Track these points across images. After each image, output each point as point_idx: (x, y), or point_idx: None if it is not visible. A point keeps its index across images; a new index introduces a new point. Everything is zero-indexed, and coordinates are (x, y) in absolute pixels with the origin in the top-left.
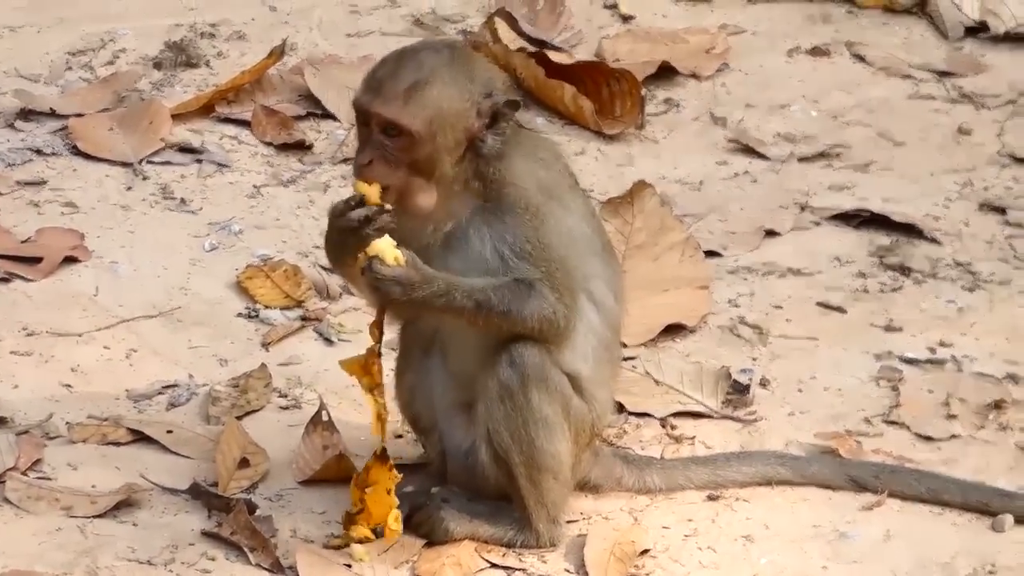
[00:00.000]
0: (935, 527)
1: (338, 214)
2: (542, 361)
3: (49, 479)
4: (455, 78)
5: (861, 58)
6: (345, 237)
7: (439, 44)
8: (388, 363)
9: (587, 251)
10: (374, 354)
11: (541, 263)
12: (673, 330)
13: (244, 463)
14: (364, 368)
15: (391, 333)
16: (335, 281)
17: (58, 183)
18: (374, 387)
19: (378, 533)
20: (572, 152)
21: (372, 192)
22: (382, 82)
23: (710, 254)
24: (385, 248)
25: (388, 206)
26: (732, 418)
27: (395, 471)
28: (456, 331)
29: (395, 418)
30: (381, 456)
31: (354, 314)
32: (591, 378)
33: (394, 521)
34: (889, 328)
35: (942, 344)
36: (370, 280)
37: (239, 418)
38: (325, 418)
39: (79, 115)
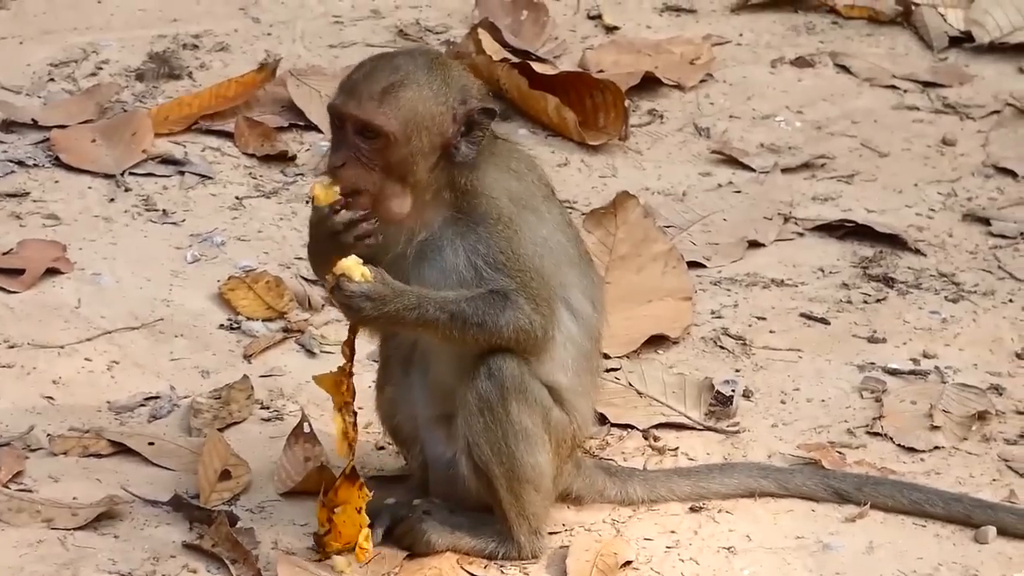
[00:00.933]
0: (918, 539)
1: (321, 219)
2: (521, 373)
3: (30, 491)
4: (431, 82)
5: (845, 68)
6: (326, 243)
7: (416, 51)
8: (369, 376)
9: (563, 261)
10: (345, 373)
11: (515, 273)
12: (656, 341)
13: (226, 475)
14: (335, 386)
15: (372, 346)
16: (317, 292)
17: (40, 195)
18: (343, 405)
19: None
20: (555, 163)
21: (324, 194)
22: (357, 84)
23: (693, 265)
24: (351, 265)
25: (362, 212)
26: (715, 430)
27: (365, 489)
28: (434, 344)
29: (376, 430)
30: (350, 475)
31: (336, 326)
32: (571, 388)
33: (365, 540)
34: (872, 339)
35: (925, 355)
36: (339, 298)
37: (221, 430)
38: (307, 430)
39: (62, 127)
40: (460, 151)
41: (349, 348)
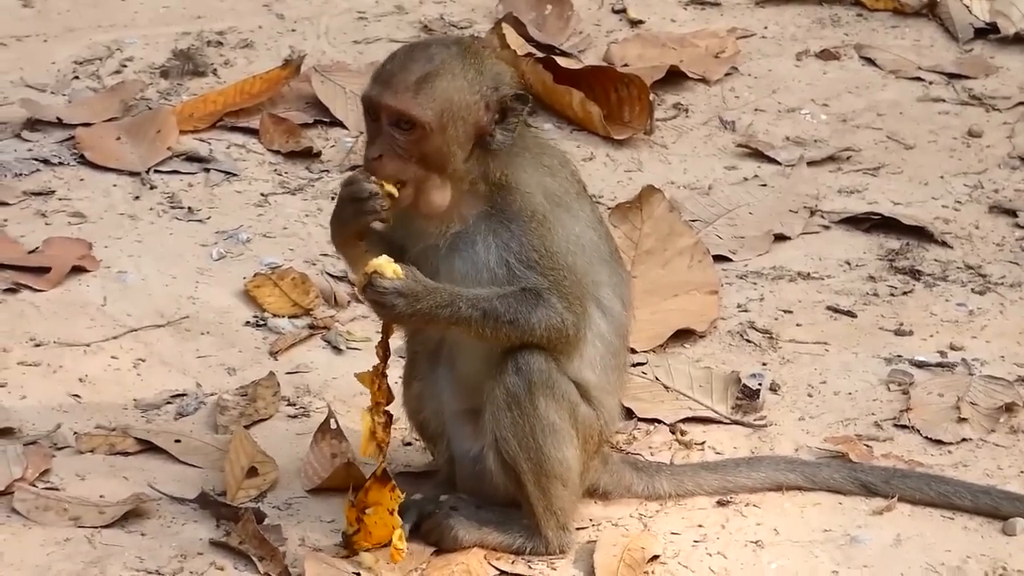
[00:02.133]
0: (946, 531)
1: (351, 182)
2: (548, 368)
3: (57, 489)
4: (465, 71)
5: (871, 61)
6: (350, 208)
7: (448, 39)
8: (396, 371)
9: (595, 258)
10: (378, 373)
11: (548, 271)
12: (683, 335)
13: (252, 472)
14: (371, 383)
15: (399, 342)
16: (343, 289)
17: (65, 193)
18: (374, 406)
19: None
20: (580, 158)
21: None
22: (392, 75)
23: (719, 259)
24: (383, 263)
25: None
26: (742, 423)
27: (398, 491)
28: (465, 341)
29: (403, 425)
30: (382, 477)
31: (362, 322)
32: (598, 385)
33: (399, 540)
34: (899, 332)
35: (952, 347)
36: (370, 296)
37: (247, 427)
38: (334, 426)
39: (86, 125)
40: (496, 139)
41: (383, 349)
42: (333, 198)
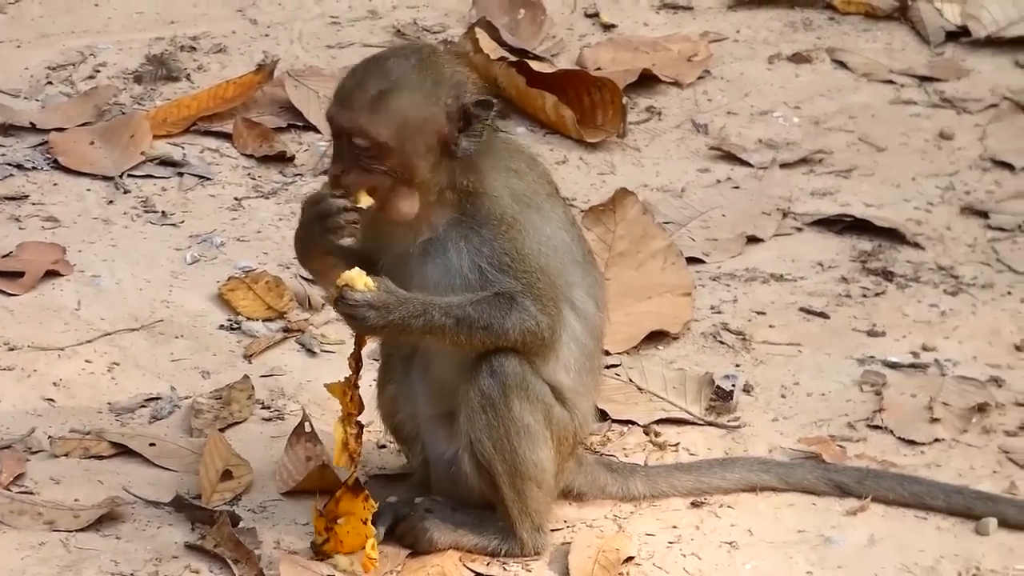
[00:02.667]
0: (919, 531)
1: (317, 200)
2: (522, 370)
3: (32, 493)
4: (421, 84)
5: (843, 64)
6: (317, 226)
7: (407, 49)
8: (370, 374)
9: (567, 259)
10: (350, 384)
11: (521, 275)
12: (656, 337)
13: (227, 475)
14: (342, 396)
15: (373, 345)
16: (317, 292)
17: (39, 197)
18: (346, 416)
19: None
20: (554, 161)
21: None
22: (350, 93)
23: (692, 261)
24: (354, 276)
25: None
26: (716, 424)
27: (371, 500)
28: (437, 347)
29: (377, 428)
30: (354, 487)
31: (337, 325)
32: (573, 387)
33: (371, 549)
34: (872, 333)
35: (925, 348)
36: (342, 309)
37: (222, 430)
38: (308, 429)
39: (60, 129)
40: (460, 147)
41: (355, 360)
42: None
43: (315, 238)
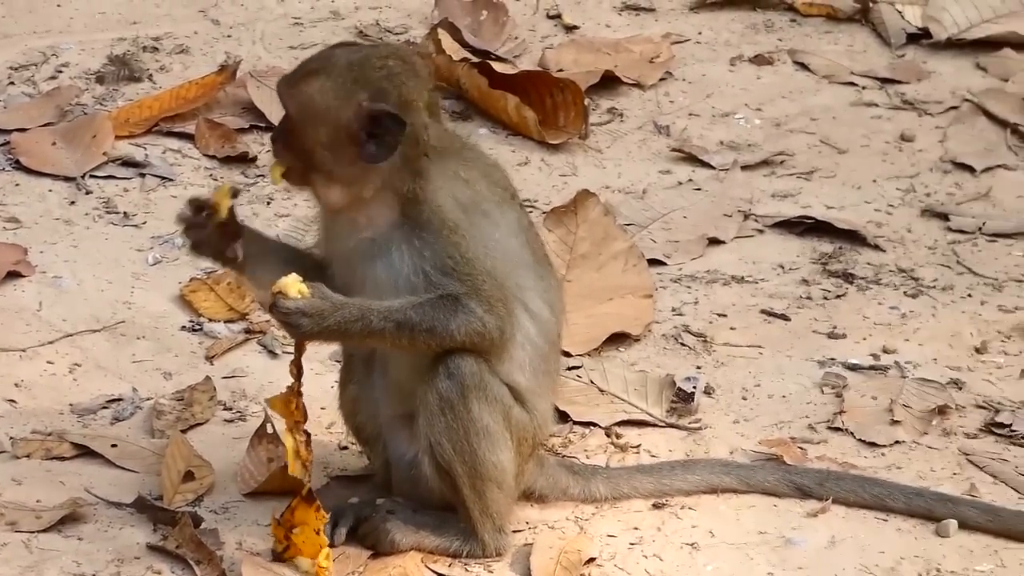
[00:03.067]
0: (880, 533)
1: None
2: (480, 371)
3: None
4: (343, 76)
5: (804, 66)
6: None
7: (366, 46)
8: (332, 375)
9: (518, 264)
10: (294, 392)
11: (465, 277)
12: (617, 339)
13: (189, 476)
14: (285, 406)
15: (335, 346)
16: None
17: (1, 198)
18: (293, 425)
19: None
20: (516, 162)
21: (223, 202)
22: (296, 68)
23: (654, 263)
24: (289, 283)
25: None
26: (677, 426)
27: (323, 511)
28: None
29: (339, 429)
30: (307, 497)
31: None
32: (530, 388)
33: (325, 559)
34: (833, 335)
35: (885, 351)
36: (276, 316)
37: (184, 431)
38: (270, 430)
39: (22, 130)
40: (365, 149)
41: (296, 367)
42: (269, 203)
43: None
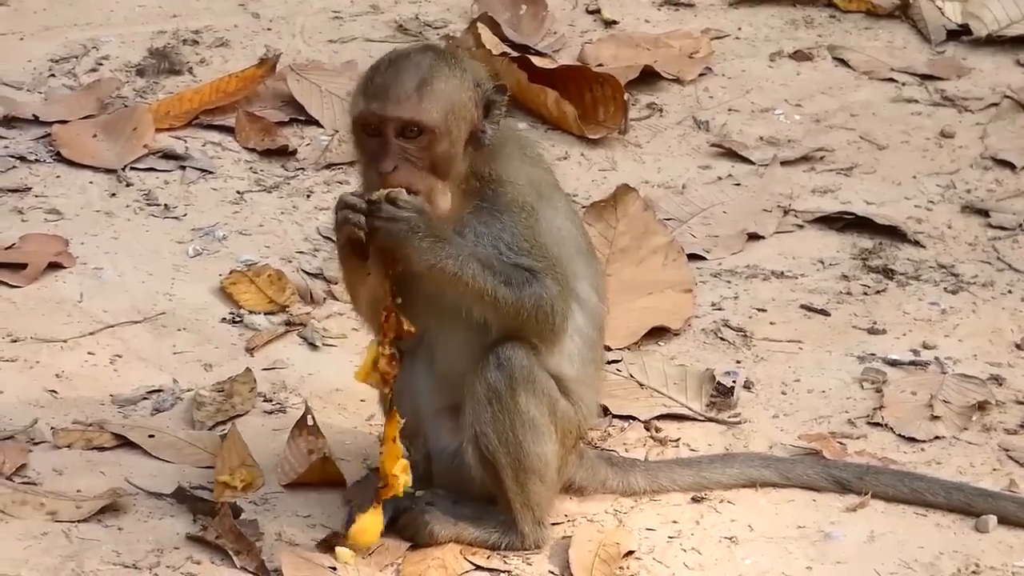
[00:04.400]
0: (919, 528)
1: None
2: (529, 363)
3: (34, 484)
4: (453, 71)
5: (844, 62)
6: (347, 228)
7: (421, 47)
8: None
9: (573, 251)
10: (388, 307)
11: (540, 259)
12: (657, 333)
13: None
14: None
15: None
16: (319, 286)
17: (42, 190)
18: (382, 338)
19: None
20: (555, 156)
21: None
22: (388, 87)
23: (693, 257)
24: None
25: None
26: (716, 420)
27: (398, 416)
28: (444, 332)
29: (378, 421)
30: (389, 407)
31: (338, 319)
32: (577, 379)
33: (402, 471)
34: (872, 330)
35: (925, 346)
36: (387, 211)
37: (223, 423)
38: (310, 422)
39: (63, 122)
40: (486, 134)
41: (390, 282)
42: (308, 196)
43: (350, 239)
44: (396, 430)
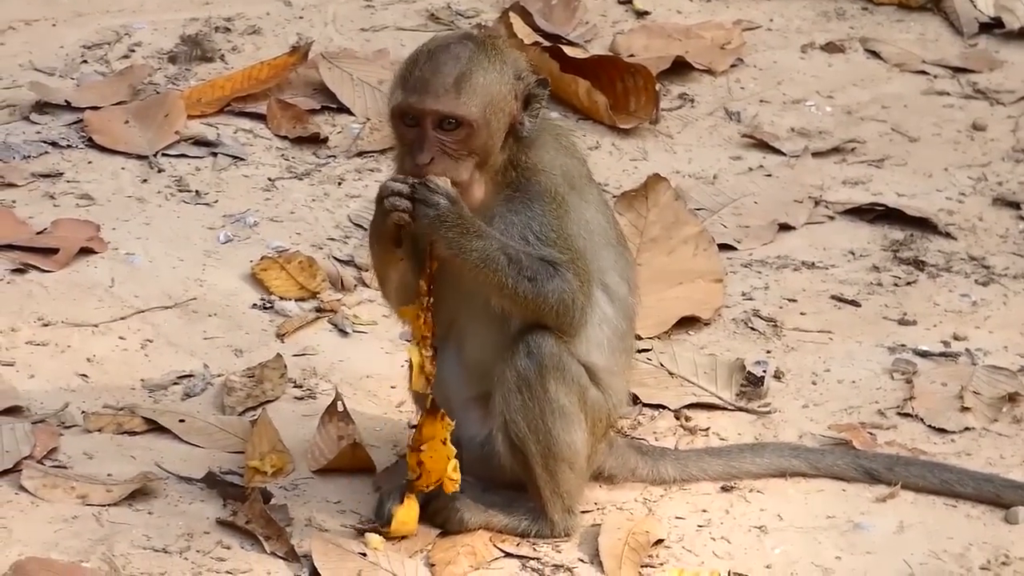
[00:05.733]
0: (949, 519)
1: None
2: (559, 351)
3: (65, 468)
4: (492, 64)
5: (876, 54)
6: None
7: (459, 36)
8: (402, 355)
9: (602, 242)
10: (422, 307)
11: (565, 251)
12: (687, 323)
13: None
14: (415, 318)
15: (404, 328)
16: (350, 273)
17: (74, 175)
18: (420, 340)
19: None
20: (587, 146)
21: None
22: (427, 80)
23: (724, 247)
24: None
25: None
26: (746, 410)
27: (447, 419)
28: (472, 321)
29: (408, 408)
30: (431, 409)
31: (369, 306)
32: (607, 368)
33: (453, 471)
34: (903, 322)
35: (956, 338)
36: (421, 193)
37: (253, 408)
38: (340, 408)
39: (95, 108)
40: (525, 126)
41: (426, 281)
42: (340, 183)
43: (388, 227)
44: (446, 432)
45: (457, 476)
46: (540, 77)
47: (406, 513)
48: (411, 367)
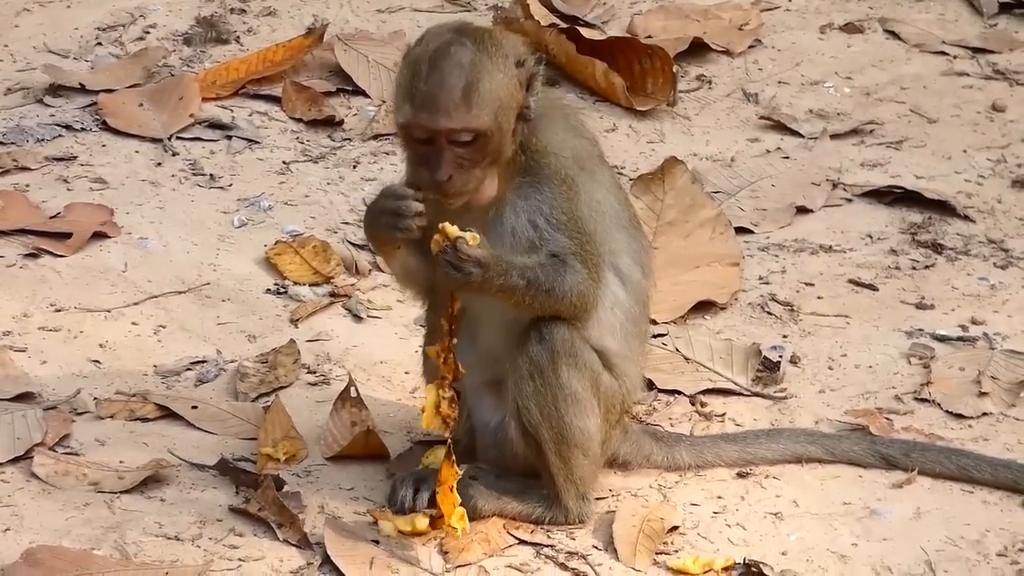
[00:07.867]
0: (966, 505)
1: (398, 196)
2: (571, 337)
3: (77, 454)
4: (495, 62)
5: (895, 34)
6: (386, 219)
7: (456, 33)
8: (416, 341)
9: (614, 225)
10: (445, 348)
11: (574, 235)
12: (703, 307)
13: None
14: (437, 357)
15: (418, 312)
16: (364, 257)
17: (88, 159)
18: (440, 381)
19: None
20: (603, 128)
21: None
22: (435, 96)
23: (741, 231)
24: (457, 231)
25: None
26: (762, 395)
27: (456, 467)
28: (485, 309)
29: (422, 395)
30: (448, 455)
31: (383, 291)
32: (620, 353)
33: (458, 520)
34: (921, 306)
35: (974, 322)
36: (452, 259)
37: (267, 394)
38: (354, 394)
39: (109, 91)
40: (531, 108)
41: (448, 322)
42: (355, 167)
43: (383, 228)
44: (455, 479)
45: (461, 525)
46: (534, 55)
47: (455, 509)
48: (425, 406)
